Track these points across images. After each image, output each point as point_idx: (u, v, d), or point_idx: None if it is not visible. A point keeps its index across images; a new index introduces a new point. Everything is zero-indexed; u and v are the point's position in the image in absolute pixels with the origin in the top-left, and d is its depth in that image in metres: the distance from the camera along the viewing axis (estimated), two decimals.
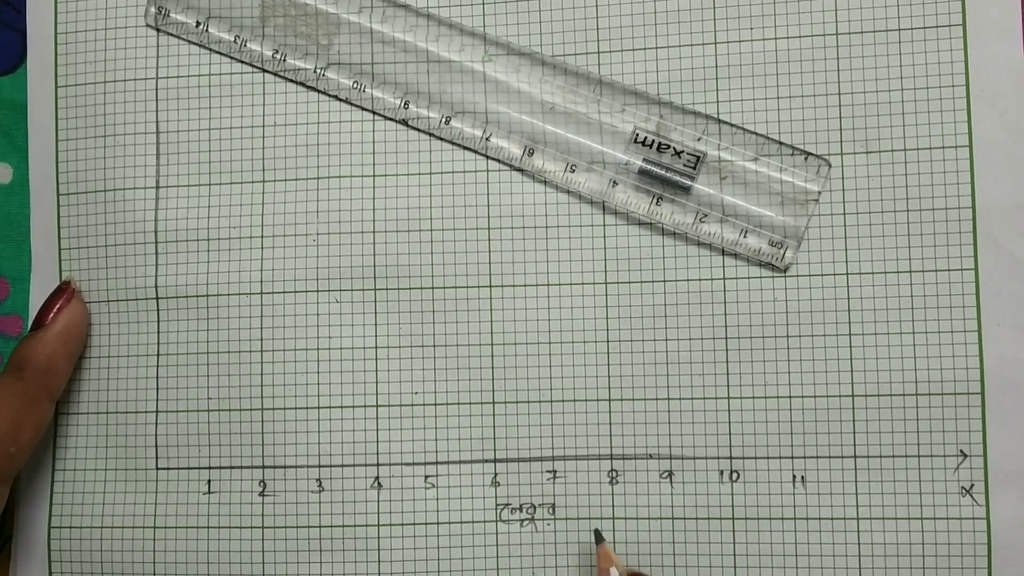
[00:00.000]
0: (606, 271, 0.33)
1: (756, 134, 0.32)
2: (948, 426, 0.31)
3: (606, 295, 0.32)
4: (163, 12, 0.34)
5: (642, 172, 0.32)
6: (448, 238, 0.33)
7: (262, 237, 0.33)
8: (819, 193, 0.31)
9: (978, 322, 0.31)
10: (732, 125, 0.32)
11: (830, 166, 0.31)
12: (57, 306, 0.33)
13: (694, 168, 0.32)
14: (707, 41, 0.32)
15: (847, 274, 0.31)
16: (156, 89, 0.34)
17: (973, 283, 0.31)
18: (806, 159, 0.31)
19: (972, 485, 0.31)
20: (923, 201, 0.31)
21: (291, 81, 0.33)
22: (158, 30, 0.34)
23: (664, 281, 0.32)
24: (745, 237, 0.31)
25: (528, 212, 0.33)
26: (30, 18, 0.35)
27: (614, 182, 0.32)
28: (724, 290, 0.32)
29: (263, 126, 0.34)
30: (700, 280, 0.32)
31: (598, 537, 0.31)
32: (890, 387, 0.31)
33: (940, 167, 0.31)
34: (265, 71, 0.34)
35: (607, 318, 0.32)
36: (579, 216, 0.33)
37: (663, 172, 0.32)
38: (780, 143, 0.31)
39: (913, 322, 0.31)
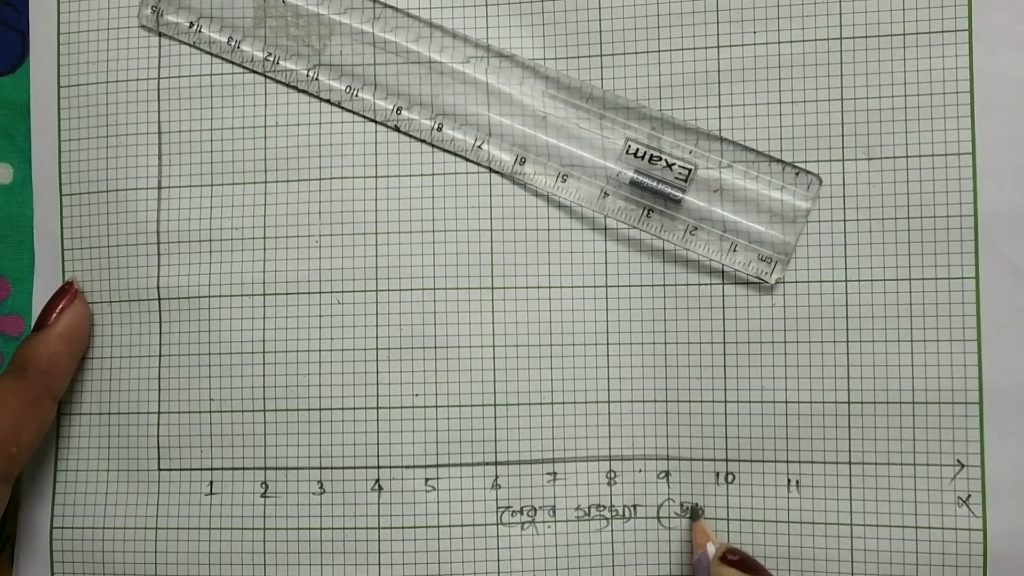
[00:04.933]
0: (606, 274, 0.32)
1: (749, 149, 0.31)
2: (945, 435, 0.31)
3: (606, 298, 0.32)
4: (157, 12, 0.34)
5: (633, 183, 0.32)
6: (449, 239, 0.33)
7: (264, 238, 0.33)
8: (808, 211, 0.31)
9: (978, 331, 0.31)
10: (726, 140, 0.32)
11: (820, 182, 0.31)
12: (60, 306, 0.33)
13: (685, 181, 0.31)
14: (709, 45, 0.32)
15: (846, 280, 0.31)
16: (158, 89, 0.34)
17: (973, 291, 0.31)
18: (797, 175, 0.31)
19: (969, 495, 0.31)
20: (924, 208, 0.31)
21: (284, 84, 0.33)
22: (160, 33, 0.34)
23: (664, 285, 0.32)
24: (735, 251, 0.31)
25: (529, 214, 0.33)
26: (32, 18, 0.35)
27: (605, 192, 0.32)
28: (723, 295, 0.32)
29: (265, 127, 0.34)
30: (700, 284, 0.32)
31: (695, 514, 0.32)
32: (887, 395, 0.31)
33: (942, 174, 0.31)
34: (258, 73, 0.33)
35: (607, 321, 0.32)
36: (580, 219, 0.33)
37: (654, 184, 0.32)
38: (773, 159, 0.31)
39: (912, 330, 0.31)
